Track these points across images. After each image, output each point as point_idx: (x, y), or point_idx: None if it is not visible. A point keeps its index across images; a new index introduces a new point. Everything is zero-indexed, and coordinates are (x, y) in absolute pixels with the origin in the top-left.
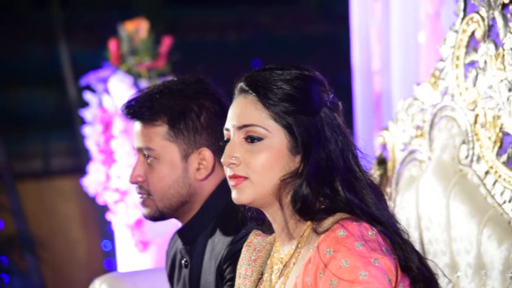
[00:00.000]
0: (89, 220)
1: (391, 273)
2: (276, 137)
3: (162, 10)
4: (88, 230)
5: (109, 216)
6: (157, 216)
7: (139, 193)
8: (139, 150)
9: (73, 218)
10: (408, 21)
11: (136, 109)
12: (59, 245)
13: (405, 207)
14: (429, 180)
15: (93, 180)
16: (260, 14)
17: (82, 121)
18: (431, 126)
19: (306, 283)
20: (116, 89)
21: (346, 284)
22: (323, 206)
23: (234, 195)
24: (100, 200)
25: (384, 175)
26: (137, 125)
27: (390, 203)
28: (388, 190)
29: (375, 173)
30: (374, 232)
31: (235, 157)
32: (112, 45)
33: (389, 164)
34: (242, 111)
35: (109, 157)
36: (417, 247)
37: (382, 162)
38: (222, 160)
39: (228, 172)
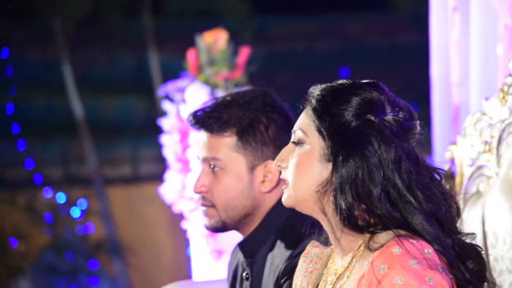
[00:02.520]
0: (175, 226)
1: None
2: (312, 142)
3: (250, 19)
4: (174, 235)
5: (184, 225)
6: (220, 227)
7: (202, 204)
8: (205, 160)
9: (160, 223)
10: (487, 32)
11: (204, 120)
12: (146, 250)
13: (471, 224)
14: (496, 197)
15: (169, 189)
16: (349, 22)
17: None
18: (499, 141)
19: None
20: (193, 99)
21: None
22: (372, 220)
23: (282, 197)
24: (176, 209)
25: (451, 191)
26: (203, 135)
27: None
28: None
29: None
30: (430, 250)
31: (283, 159)
32: (190, 55)
33: (457, 179)
34: (299, 118)
35: (185, 166)
36: None
37: (450, 177)
38: (274, 162)
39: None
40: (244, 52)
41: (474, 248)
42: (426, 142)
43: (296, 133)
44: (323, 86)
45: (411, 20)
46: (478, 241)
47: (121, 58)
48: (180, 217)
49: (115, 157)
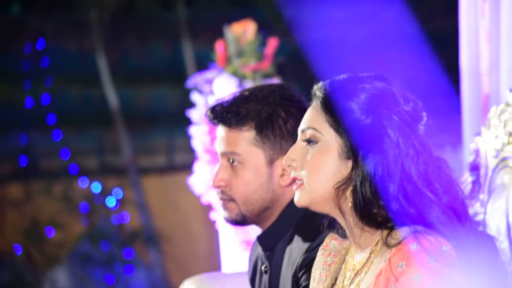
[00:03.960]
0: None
1: None
2: (328, 140)
3: (284, 8)
4: (209, 224)
5: (213, 215)
6: (239, 220)
7: (221, 198)
8: (223, 154)
9: (195, 212)
10: None
11: (223, 114)
12: (181, 239)
13: (495, 215)
14: None
15: (198, 180)
16: (384, 9)
17: None
18: None
19: None
20: (221, 90)
21: None
22: (389, 215)
23: (294, 198)
24: (204, 200)
25: (476, 182)
26: (221, 130)
27: (481, 210)
28: (481, 197)
29: (467, 179)
30: (448, 247)
31: (293, 159)
32: (218, 46)
33: (482, 171)
34: (307, 115)
35: (214, 157)
36: (507, 256)
37: (474, 168)
38: (283, 162)
39: (291, 174)
40: (272, 43)
41: (487, 235)
42: (456, 132)
43: (308, 131)
44: (331, 81)
45: (448, 6)
46: (502, 233)
47: (155, 48)
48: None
49: (150, 146)
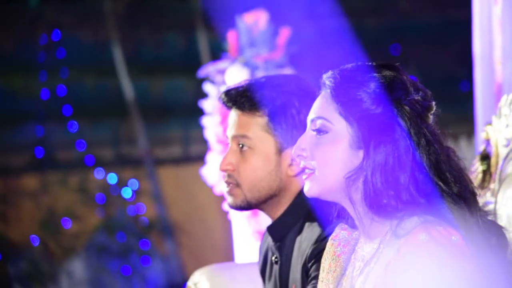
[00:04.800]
0: None
1: None
2: (338, 130)
3: None
4: (225, 215)
5: (225, 206)
6: (244, 205)
7: (227, 181)
8: (234, 138)
9: (211, 203)
10: None
11: (237, 98)
12: (197, 230)
13: (506, 205)
14: None
15: (211, 170)
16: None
17: None
18: None
19: (385, 284)
20: (233, 80)
21: None
22: (399, 205)
23: (304, 188)
24: (217, 190)
25: (487, 171)
26: (234, 114)
27: (492, 199)
28: (491, 186)
29: (478, 169)
30: (457, 237)
31: (303, 148)
32: (231, 37)
33: (493, 160)
34: (316, 104)
35: (226, 148)
36: None
37: (485, 157)
38: (292, 151)
39: (300, 164)
40: (284, 33)
41: (496, 225)
42: (469, 120)
43: (318, 121)
44: (340, 70)
45: None
46: None
47: (170, 39)
48: None
49: (166, 137)
